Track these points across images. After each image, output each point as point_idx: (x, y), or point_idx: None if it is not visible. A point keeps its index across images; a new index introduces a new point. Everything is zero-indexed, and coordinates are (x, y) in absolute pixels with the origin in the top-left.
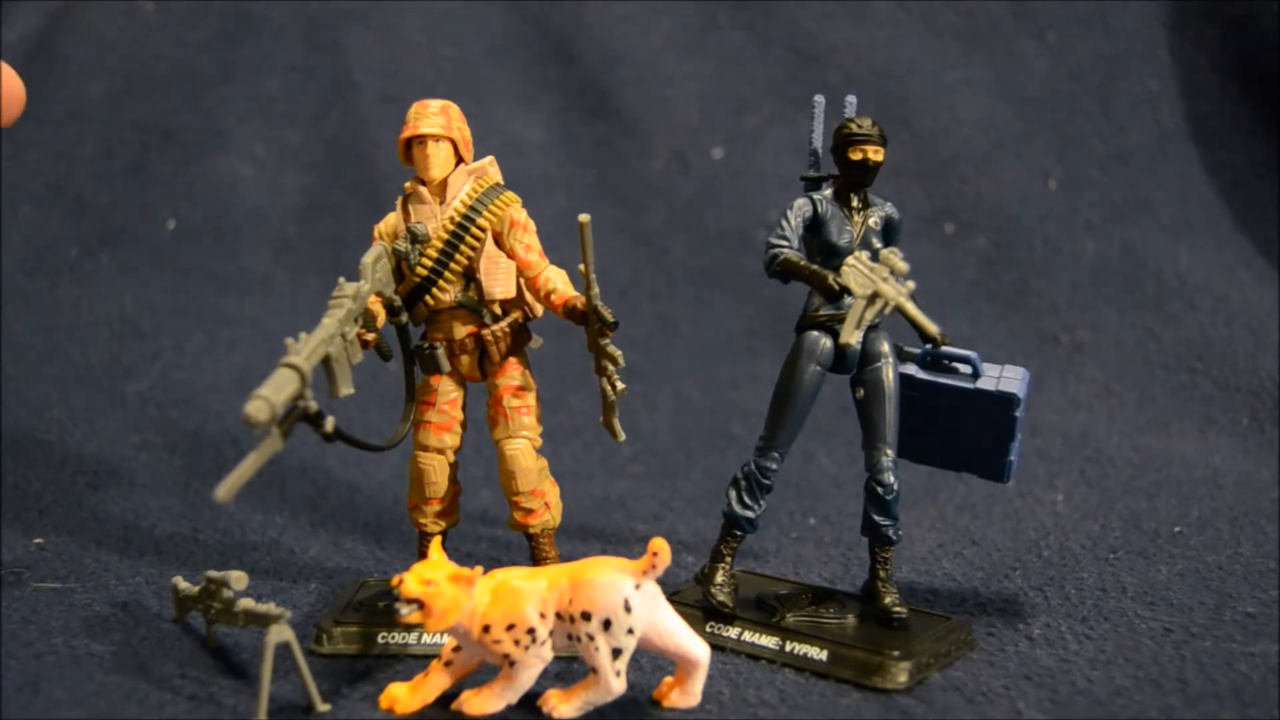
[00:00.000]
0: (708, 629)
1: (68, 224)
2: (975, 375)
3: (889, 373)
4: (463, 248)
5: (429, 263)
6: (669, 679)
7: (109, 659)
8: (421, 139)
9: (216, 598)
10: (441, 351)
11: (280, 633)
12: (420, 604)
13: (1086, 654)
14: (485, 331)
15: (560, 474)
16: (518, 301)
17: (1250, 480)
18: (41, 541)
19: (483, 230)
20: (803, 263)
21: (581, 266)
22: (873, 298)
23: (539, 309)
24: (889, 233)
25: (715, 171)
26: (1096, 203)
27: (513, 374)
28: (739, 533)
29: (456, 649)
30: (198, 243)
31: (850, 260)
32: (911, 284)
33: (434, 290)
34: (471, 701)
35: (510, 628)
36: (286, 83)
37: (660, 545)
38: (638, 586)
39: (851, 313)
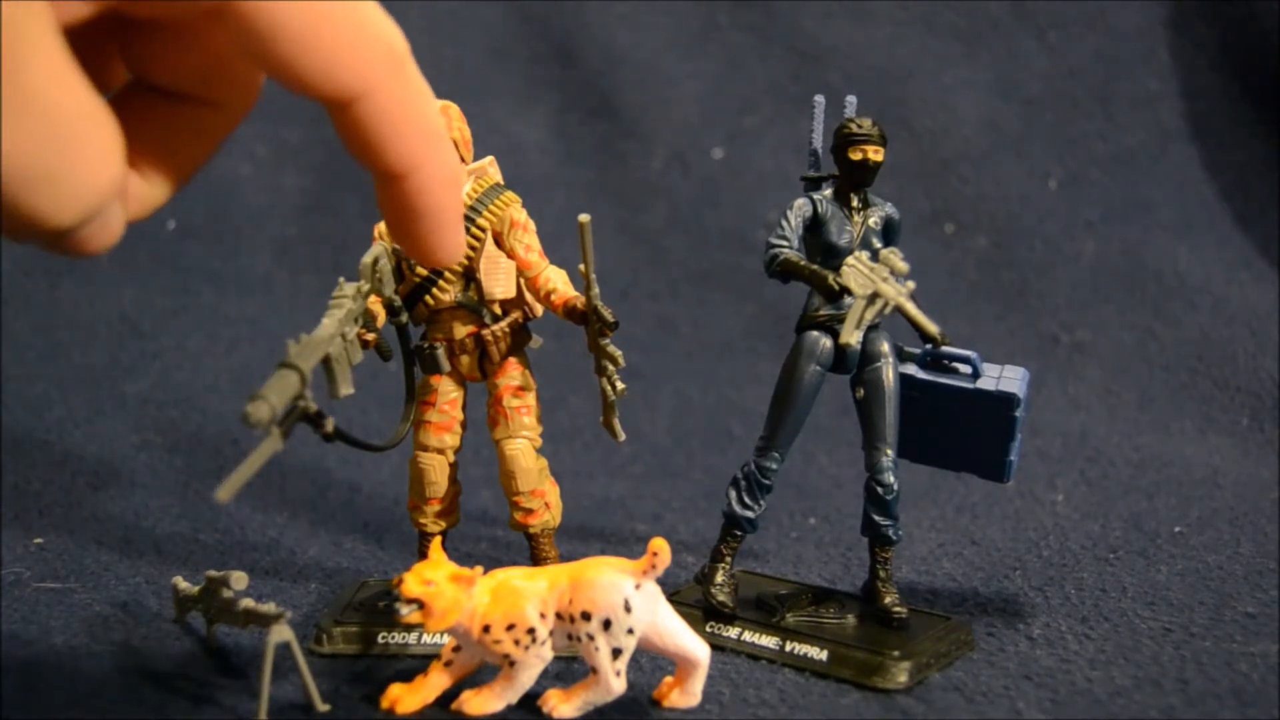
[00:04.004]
0: (708, 629)
1: None
2: (975, 375)
3: (889, 373)
4: None
5: None
6: (669, 679)
7: (109, 659)
8: None
9: (216, 598)
10: (441, 351)
11: (280, 633)
12: (420, 604)
13: (1086, 654)
14: (485, 331)
15: (560, 474)
16: (518, 301)
17: (1250, 480)
18: (41, 541)
19: (483, 230)
20: (803, 263)
21: (581, 266)
22: (873, 298)
23: (539, 309)
24: (889, 233)
25: (715, 171)
26: (1096, 203)
27: (513, 374)
28: (739, 533)
29: (456, 649)
30: (198, 243)
31: (850, 260)
32: (911, 284)
33: (434, 290)
34: (471, 701)
35: (510, 628)
36: None
37: (660, 545)
38: (638, 586)
39: (851, 313)
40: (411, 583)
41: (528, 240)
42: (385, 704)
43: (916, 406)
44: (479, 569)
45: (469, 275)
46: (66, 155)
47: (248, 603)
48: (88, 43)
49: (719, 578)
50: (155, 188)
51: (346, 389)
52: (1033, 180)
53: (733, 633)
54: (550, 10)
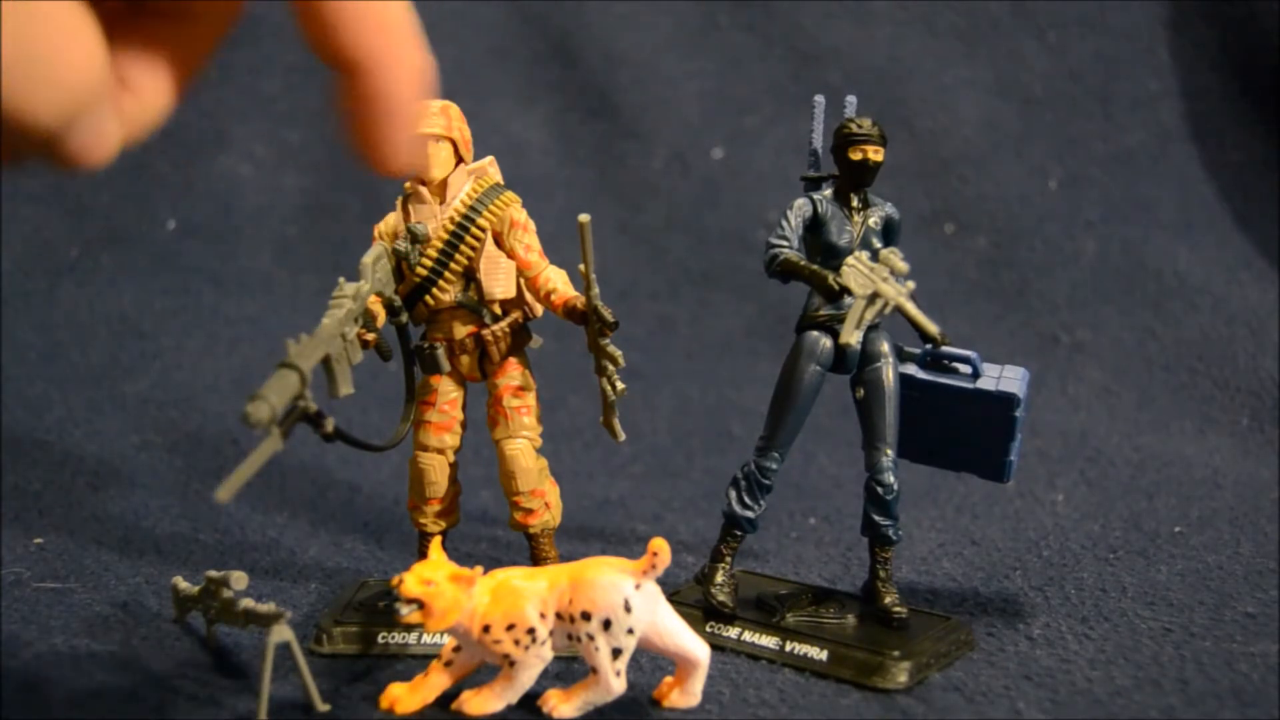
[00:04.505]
0: (708, 629)
1: (68, 224)
2: (975, 375)
3: (889, 373)
4: (463, 248)
5: (429, 263)
6: (669, 679)
7: (109, 659)
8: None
9: (216, 598)
10: (441, 351)
11: (280, 633)
12: (420, 604)
13: (1086, 654)
14: (485, 331)
15: (560, 474)
16: (518, 301)
17: (1250, 480)
18: (41, 541)
19: (483, 230)
20: (803, 263)
21: (581, 266)
22: (873, 298)
23: (539, 309)
24: (889, 233)
25: (715, 171)
26: (1096, 203)
27: (513, 374)
28: (739, 533)
29: (456, 649)
30: (198, 243)
31: (850, 260)
32: (911, 284)
33: (434, 290)
34: (471, 701)
35: (510, 628)
36: (286, 83)
37: (660, 545)
38: (638, 586)
39: (851, 313)
40: (411, 583)
41: (528, 240)
42: (385, 704)
43: (916, 406)
44: (479, 569)
45: (469, 275)
46: (46, 48)
47: (248, 603)
48: None
49: (719, 578)
50: (148, 105)
51: (346, 389)
52: (1033, 180)
53: (733, 633)
54: (550, 10)
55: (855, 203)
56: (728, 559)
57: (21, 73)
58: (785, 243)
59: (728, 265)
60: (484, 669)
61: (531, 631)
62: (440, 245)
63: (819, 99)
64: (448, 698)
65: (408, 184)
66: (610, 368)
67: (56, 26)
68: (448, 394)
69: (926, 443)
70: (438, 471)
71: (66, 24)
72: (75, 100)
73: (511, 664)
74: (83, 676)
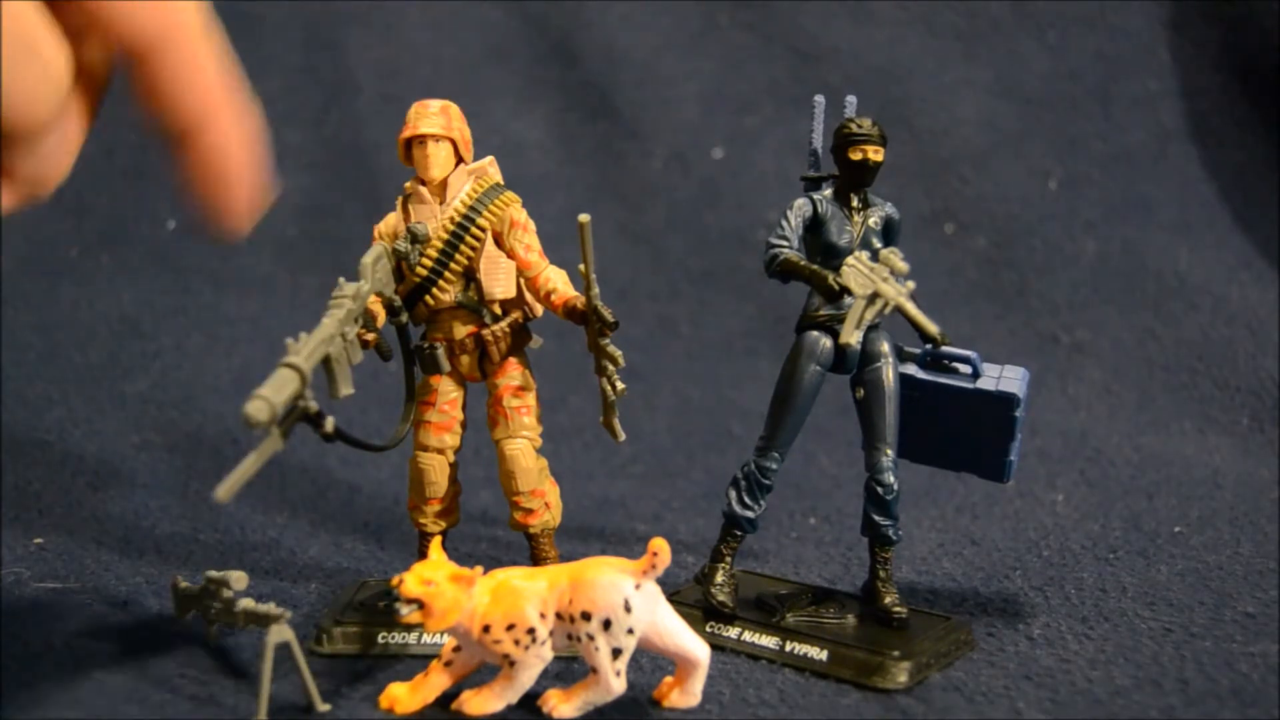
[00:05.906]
0: (708, 629)
1: (68, 224)
2: (975, 375)
3: (889, 373)
4: (463, 248)
5: (429, 263)
6: (669, 679)
7: (109, 659)
8: (421, 139)
9: (216, 598)
10: (441, 351)
11: (280, 633)
12: (420, 604)
13: (1086, 654)
14: (485, 331)
15: (560, 474)
16: (518, 301)
17: (1250, 480)
18: (41, 541)
19: (483, 230)
20: (803, 263)
21: (581, 266)
22: (873, 298)
23: (539, 309)
24: (889, 233)
25: (715, 171)
26: (1096, 203)
27: (513, 374)
28: (739, 533)
29: (456, 649)
30: (198, 243)
31: (850, 260)
32: (911, 284)
33: (434, 290)
34: (471, 701)
35: (510, 628)
36: (286, 83)
37: (660, 545)
38: (638, 586)
39: (851, 313)
40: (411, 583)
41: (528, 240)
42: (385, 704)
43: (916, 406)
44: (479, 569)
45: (469, 275)
46: (38, 40)
47: (248, 603)
48: None
49: (719, 578)
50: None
51: (346, 389)
52: (1033, 180)
53: (733, 633)
54: (550, 10)
55: (855, 203)
56: (728, 559)
57: (22, 63)
58: (785, 243)
59: (728, 265)
60: (484, 669)
61: (531, 631)
62: (440, 245)
63: (819, 99)
64: (448, 698)
65: (408, 184)
66: (610, 368)
67: (40, 21)
68: (448, 394)
69: (926, 443)
70: (438, 471)
71: (43, 20)
72: (59, 94)
73: (511, 664)
74: (83, 676)
